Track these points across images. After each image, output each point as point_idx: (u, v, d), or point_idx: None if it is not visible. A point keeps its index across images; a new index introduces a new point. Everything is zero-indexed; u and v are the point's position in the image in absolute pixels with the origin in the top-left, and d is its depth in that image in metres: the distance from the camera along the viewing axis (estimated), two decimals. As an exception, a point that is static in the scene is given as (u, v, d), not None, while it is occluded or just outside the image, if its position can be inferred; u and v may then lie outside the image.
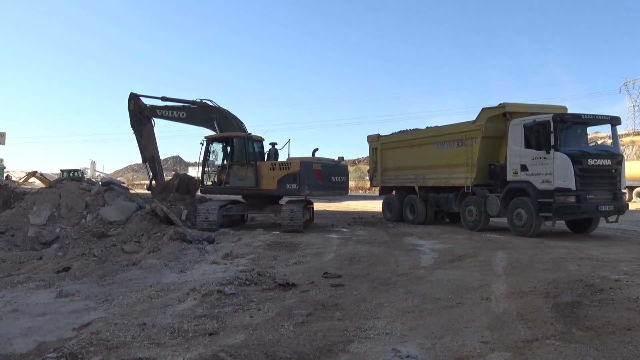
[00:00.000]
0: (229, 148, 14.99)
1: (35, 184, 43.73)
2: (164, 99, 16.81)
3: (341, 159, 15.89)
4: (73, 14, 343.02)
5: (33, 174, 43.20)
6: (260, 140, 15.41)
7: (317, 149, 15.11)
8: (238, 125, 16.30)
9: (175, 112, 16.93)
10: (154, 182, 17.39)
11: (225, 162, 15.01)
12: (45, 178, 42.57)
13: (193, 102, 16.77)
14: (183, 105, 16.90)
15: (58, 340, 4.49)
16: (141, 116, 17.06)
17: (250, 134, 15.17)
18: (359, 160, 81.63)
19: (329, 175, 14.19)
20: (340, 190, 15.38)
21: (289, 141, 15.13)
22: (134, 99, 16.95)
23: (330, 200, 28.67)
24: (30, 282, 7.12)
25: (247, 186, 14.36)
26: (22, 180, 43.98)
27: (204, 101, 16.67)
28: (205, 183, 15.51)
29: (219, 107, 16.57)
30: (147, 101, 17.15)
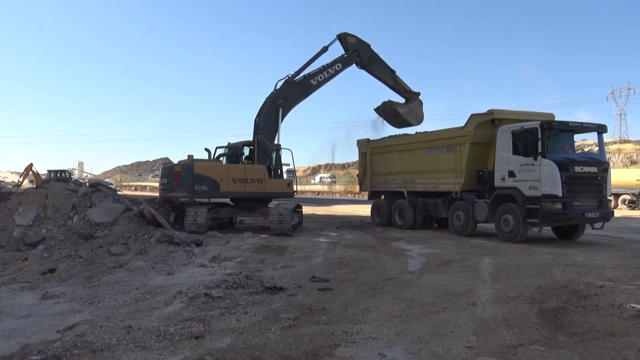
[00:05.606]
0: None
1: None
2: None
3: (190, 157, 14.13)
4: (64, 15, 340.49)
5: (30, 167, 42.15)
6: (228, 147, 15.87)
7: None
8: (270, 126, 15.26)
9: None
10: None
11: None
12: (38, 174, 41.88)
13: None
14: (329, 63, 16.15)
15: (42, 342, 4.44)
16: None
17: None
18: (349, 165, 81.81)
19: None
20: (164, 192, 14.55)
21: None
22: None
23: (319, 204, 28.66)
24: (14, 284, 7.04)
25: None
26: (22, 180, 43.14)
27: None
28: None
29: (280, 93, 15.35)
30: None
